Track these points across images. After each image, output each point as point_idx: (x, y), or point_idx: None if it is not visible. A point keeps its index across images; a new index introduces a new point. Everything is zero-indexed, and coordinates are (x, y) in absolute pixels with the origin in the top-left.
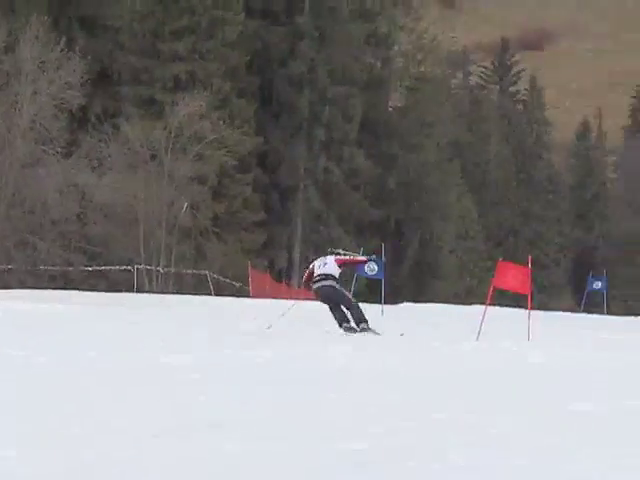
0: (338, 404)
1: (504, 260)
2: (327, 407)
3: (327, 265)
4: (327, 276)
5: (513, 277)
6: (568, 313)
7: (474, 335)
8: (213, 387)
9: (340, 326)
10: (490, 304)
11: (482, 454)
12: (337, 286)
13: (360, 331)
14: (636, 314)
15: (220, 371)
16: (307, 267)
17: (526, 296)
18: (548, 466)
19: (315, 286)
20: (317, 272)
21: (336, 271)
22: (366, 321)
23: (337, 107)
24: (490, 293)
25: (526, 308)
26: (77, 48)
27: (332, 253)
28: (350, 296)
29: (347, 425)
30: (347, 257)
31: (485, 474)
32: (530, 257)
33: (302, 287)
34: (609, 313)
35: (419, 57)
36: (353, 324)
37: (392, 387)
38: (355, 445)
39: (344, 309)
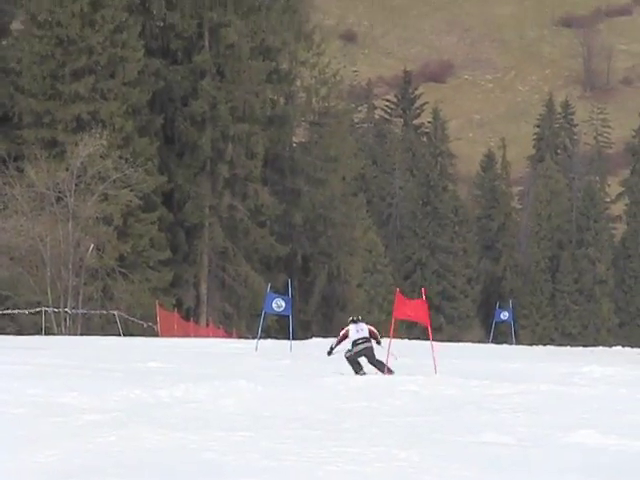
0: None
1: (401, 293)
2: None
3: (364, 330)
4: (367, 339)
5: (412, 308)
6: (477, 344)
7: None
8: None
9: (357, 373)
10: (397, 337)
11: None
12: (373, 346)
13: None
14: (544, 343)
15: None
16: (342, 329)
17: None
18: None
19: (359, 347)
20: (357, 336)
21: (369, 334)
22: (385, 371)
23: (240, 144)
24: (392, 325)
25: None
26: None
27: (363, 321)
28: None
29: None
30: (373, 330)
31: None
32: (423, 289)
33: (335, 344)
34: (517, 343)
35: (322, 92)
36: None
37: (285, 426)
38: None
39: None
